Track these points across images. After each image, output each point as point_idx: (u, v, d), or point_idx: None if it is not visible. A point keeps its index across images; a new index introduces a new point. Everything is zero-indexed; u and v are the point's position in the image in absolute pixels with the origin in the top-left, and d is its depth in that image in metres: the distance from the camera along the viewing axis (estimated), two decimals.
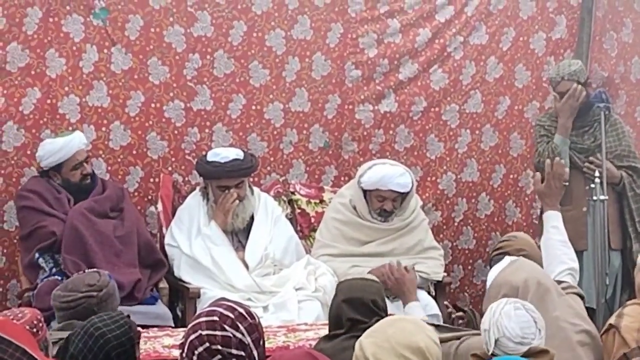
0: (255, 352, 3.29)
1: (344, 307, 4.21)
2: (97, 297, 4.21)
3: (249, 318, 3.33)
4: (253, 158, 6.26)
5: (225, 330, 3.27)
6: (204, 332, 3.27)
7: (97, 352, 3.50)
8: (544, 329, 3.81)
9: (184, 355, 3.28)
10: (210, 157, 6.12)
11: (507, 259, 4.78)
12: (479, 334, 3.90)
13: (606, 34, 7.52)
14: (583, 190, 6.29)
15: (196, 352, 3.24)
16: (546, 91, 7.38)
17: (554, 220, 5.10)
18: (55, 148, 5.88)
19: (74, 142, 5.92)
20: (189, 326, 3.34)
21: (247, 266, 6.00)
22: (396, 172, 6.06)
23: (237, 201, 6.05)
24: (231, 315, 3.31)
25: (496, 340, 3.74)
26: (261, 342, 3.34)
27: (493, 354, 3.71)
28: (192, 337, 3.28)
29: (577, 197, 6.29)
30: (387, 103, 7.00)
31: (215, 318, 3.30)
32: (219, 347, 3.24)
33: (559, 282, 4.76)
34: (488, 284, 4.72)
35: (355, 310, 4.19)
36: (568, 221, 6.20)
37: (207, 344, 3.24)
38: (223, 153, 6.13)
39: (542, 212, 5.66)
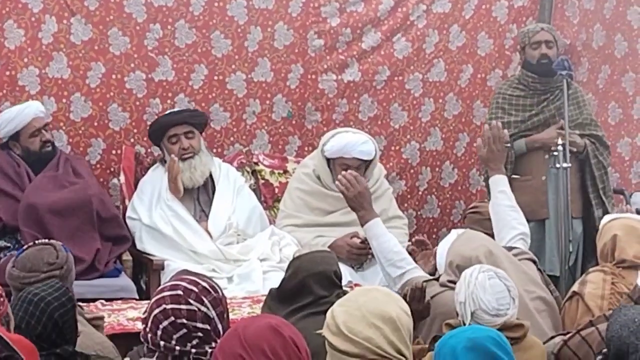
0: (219, 326, 3.28)
1: (309, 281, 4.19)
2: (60, 275, 4.09)
3: (212, 292, 3.32)
4: (202, 112, 6.33)
5: (190, 304, 3.25)
6: (169, 306, 3.25)
7: (39, 316, 3.52)
8: (517, 297, 3.84)
9: (147, 329, 3.26)
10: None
11: (454, 232, 4.83)
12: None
13: (568, 1, 7.52)
14: (542, 159, 6.31)
15: (160, 326, 3.23)
16: (509, 59, 7.39)
17: (501, 185, 5.14)
18: (11, 116, 5.86)
19: (30, 109, 5.89)
20: (152, 300, 3.32)
21: (210, 236, 5.99)
22: (359, 139, 6.05)
23: (180, 162, 6.01)
24: (195, 289, 3.29)
25: (472, 313, 3.75)
26: (225, 316, 3.33)
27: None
28: (156, 311, 3.26)
29: (536, 167, 6.32)
30: (350, 72, 6.98)
31: (180, 292, 3.28)
32: (184, 320, 3.22)
33: (511, 248, 4.81)
34: (438, 257, 4.75)
35: (320, 284, 4.18)
36: (528, 191, 6.29)
37: (172, 318, 3.23)
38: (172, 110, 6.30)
39: (487, 178, 5.70)
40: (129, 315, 4.96)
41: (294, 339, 3.00)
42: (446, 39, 7.22)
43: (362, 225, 5.06)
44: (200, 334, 3.23)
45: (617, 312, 3.37)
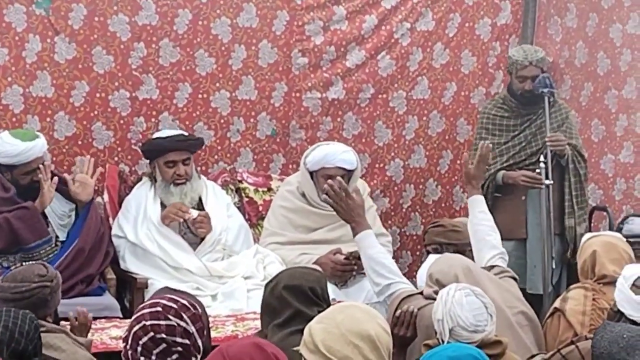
0: (199, 342, 3.30)
1: (284, 294, 4.18)
2: (50, 287, 4.14)
3: (192, 308, 3.35)
4: (199, 137, 6.32)
5: (169, 319, 3.28)
6: (148, 323, 3.28)
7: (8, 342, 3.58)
8: (494, 314, 3.85)
9: (128, 347, 3.28)
10: (156, 135, 6.24)
11: (432, 257, 4.87)
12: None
13: (550, 19, 7.57)
14: None
15: (140, 342, 3.25)
16: (492, 77, 7.42)
17: (480, 205, 5.20)
18: (15, 151, 5.67)
19: (35, 149, 5.71)
20: (132, 318, 3.34)
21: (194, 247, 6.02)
22: (339, 149, 6.11)
23: (187, 214, 6.01)
24: (174, 305, 3.33)
25: (450, 330, 3.77)
26: (205, 332, 3.35)
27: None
28: (136, 328, 3.29)
29: (517, 186, 6.34)
30: (334, 90, 7.00)
31: (159, 309, 3.31)
32: (164, 335, 3.25)
33: (492, 267, 4.84)
34: (418, 281, 4.79)
35: (296, 298, 4.17)
36: (507, 210, 6.31)
37: (152, 334, 3.25)
38: (168, 132, 6.23)
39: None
40: (112, 334, 4.95)
41: (276, 356, 3.02)
42: (430, 57, 7.25)
43: (354, 236, 5.01)
44: (180, 348, 3.26)
45: (602, 329, 3.39)
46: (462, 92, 7.38)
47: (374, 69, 7.10)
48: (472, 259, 5.05)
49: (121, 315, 5.60)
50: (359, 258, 5.84)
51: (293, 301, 4.15)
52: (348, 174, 6.08)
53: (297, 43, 6.88)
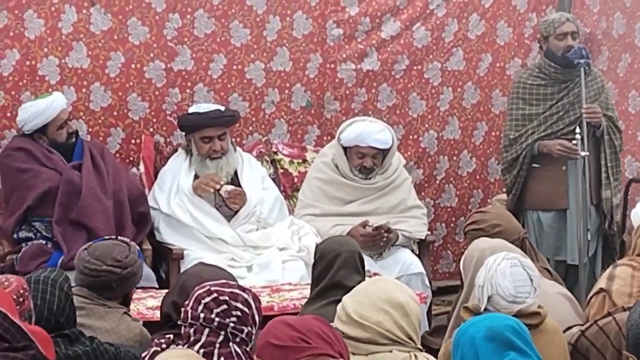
0: (257, 316, 3.43)
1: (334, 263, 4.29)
2: (119, 274, 4.19)
3: (252, 291, 3.48)
4: (234, 111, 6.31)
5: (233, 289, 3.42)
6: (213, 288, 3.41)
7: (52, 291, 3.69)
8: (539, 287, 3.83)
9: (188, 308, 3.36)
10: (192, 110, 6.21)
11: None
12: None
13: None
14: None
15: (203, 302, 3.38)
16: (528, 48, 7.38)
17: None
18: (39, 110, 5.79)
19: (57, 102, 5.85)
20: (196, 288, 3.45)
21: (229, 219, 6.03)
22: (375, 128, 6.06)
23: (219, 183, 6.02)
24: (236, 283, 3.52)
25: (489, 297, 3.76)
26: (261, 312, 3.44)
27: (486, 309, 3.74)
28: (200, 291, 3.41)
29: (556, 157, 6.28)
30: (369, 61, 6.98)
31: (224, 281, 3.48)
32: (227, 298, 3.38)
33: None
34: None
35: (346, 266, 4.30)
36: (548, 180, 6.27)
37: (215, 295, 3.38)
38: (204, 106, 6.22)
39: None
40: (149, 304, 4.98)
41: (332, 330, 3.11)
42: (465, 28, 7.21)
43: None
44: (239, 313, 3.36)
45: (638, 303, 3.37)
46: (498, 63, 7.34)
47: (408, 40, 7.07)
48: (521, 250, 4.97)
49: (157, 286, 5.63)
50: (388, 230, 5.89)
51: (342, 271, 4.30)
52: (382, 152, 6.07)
53: (331, 14, 6.86)
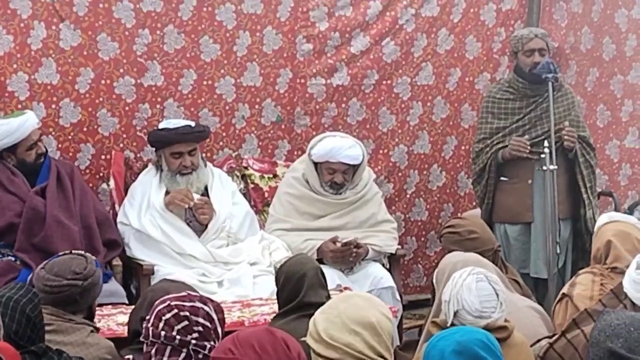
0: (219, 329, 3.39)
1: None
2: (81, 286, 4.15)
3: (214, 301, 3.46)
4: (205, 127, 6.31)
5: (194, 302, 3.39)
6: (173, 303, 3.39)
7: (11, 314, 3.59)
8: (505, 302, 3.85)
9: (149, 325, 3.33)
10: (162, 125, 6.21)
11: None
12: None
13: (556, 4, 7.56)
14: (529, 162, 6.31)
15: (163, 319, 3.34)
16: (497, 62, 7.42)
17: None
18: (11, 129, 5.74)
19: (29, 122, 5.80)
20: (158, 302, 3.42)
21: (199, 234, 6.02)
22: (345, 143, 6.08)
23: (190, 200, 6.01)
24: (198, 294, 3.47)
25: (455, 312, 3.78)
26: (224, 324, 3.41)
27: (453, 324, 3.75)
28: (160, 307, 3.38)
29: (523, 170, 6.33)
30: (339, 76, 7.00)
31: (184, 294, 3.44)
32: (187, 313, 3.35)
33: None
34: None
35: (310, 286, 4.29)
36: (514, 193, 6.32)
37: (176, 311, 3.35)
38: (174, 121, 6.21)
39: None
40: (119, 320, 4.97)
41: (286, 341, 3.08)
42: (434, 43, 7.25)
43: None
44: (200, 328, 3.34)
45: (600, 318, 3.40)
46: (467, 77, 7.38)
47: (378, 55, 7.10)
48: (494, 263, 5.01)
49: (127, 302, 5.61)
50: (357, 245, 5.91)
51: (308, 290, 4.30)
52: (353, 167, 6.10)
53: (301, 29, 6.87)
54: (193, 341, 3.30)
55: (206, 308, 3.37)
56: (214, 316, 3.38)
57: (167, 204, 6.00)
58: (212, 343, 3.33)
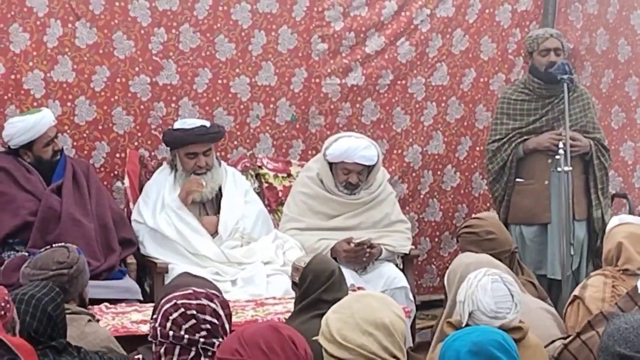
0: (227, 325, 3.39)
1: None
2: (68, 274, 4.18)
3: (220, 296, 3.46)
4: (220, 127, 6.29)
5: (200, 299, 3.37)
6: (179, 301, 3.37)
7: (33, 312, 3.63)
8: (520, 303, 3.85)
9: (156, 324, 3.33)
10: (178, 125, 6.20)
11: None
12: None
13: (571, 5, 7.55)
14: (545, 163, 6.30)
15: (170, 318, 3.33)
16: (512, 63, 7.41)
17: None
18: (27, 126, 5.78)
19: (46, 119, 5.84)
20: (164, 300, 3.40)
21: (213, 236, 6.03)
22: (361, 144, 6.07)
23: (203, 184, 6.04)
24: (204, 290, 3.43)
25: (470, 313, 3.78)
26: (230, 319, 3.39)
27: (468, 325, 3.75)
28: (167, 305, 3.36)
29: (539, 171, 6.33)
30: (353, 76, 7.00)
31: (190, 291, 3.41)
32: (194, 312, 3.34)
33: None
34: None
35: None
36: (531, 194, 6.33)
37: (182, 309, 3.34)
38: (190, 121, 6.21)
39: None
40: (133, 318, 4.97)
41: (292, 338, 3.07)
42: (449, 43, 7.24)
43: None
44: (208, 326, 3.33)
45: (610, 322, 3.40)
46: (481, 78, 7.37)
47: (393, 55, 7.10)
48: (510, 264, 5.02)
49: (142, 299, 5.63)
50: (371, 246, 5.91)
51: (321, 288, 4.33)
52: (367, 168, 6.10)
53: (316, 29, 6.88)
54: (202, 340, 3.30)
55: (213, 305, 3.36)
56: (221, 312, 3.37)
57: (183, 199, 6.01)
58: (220, 340, 3.33)
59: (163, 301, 3.39)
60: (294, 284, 4.68)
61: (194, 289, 3.42)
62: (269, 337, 3.03)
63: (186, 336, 3.29)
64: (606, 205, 6.47)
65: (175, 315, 3.32)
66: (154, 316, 3.40)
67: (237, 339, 3.03)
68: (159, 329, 3.33)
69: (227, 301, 3.46)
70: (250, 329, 3.08)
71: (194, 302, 3.35)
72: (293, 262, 4.86)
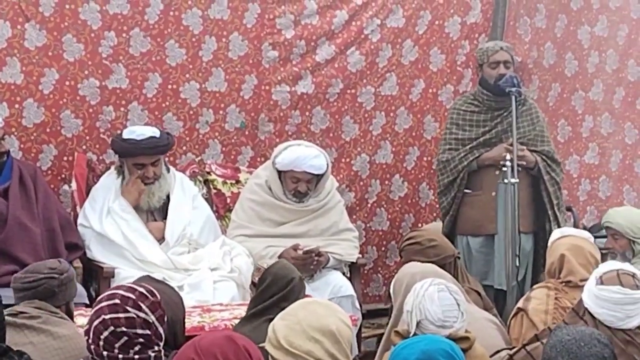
0: (160, 330, 3.35)
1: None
2: (59, 279, 4.21)
3: (150, 296, 3.39)
4: (169, 136, 6.24)
5: (128, 311, 3.32)
6: (107, 317, 3.31)
7: None
8: (466, 312, 3.89)
9: (90, 341, 3.31)
10: (126, 134, 6.10)
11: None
12: None
13: (520, 19, 7.64)
14: (493, 175, 6.35)
15: (102, 337, 3.29)
16: (460, 75, 7.47)
17: None
18: None
19: None
20: (92, 312, 3.37)
21: (160, 242, 6.01)
22: (310, 153, 6.09)
23: (152, 182, 6.03)
24: (132, 296, 3.36)
25: (418, 322, 3.81)
26: (165, 319, 3.38)
27: (415, 334, 3.77)
28: (96, 322, 3.32)
29: (487, 183, 6.38)
30: (303, 84, 7.02)
31: (117, 301, 3.34)
32: (124, 328, 3.28)
33: None
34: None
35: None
36: (478, 205, 6.36)
37: (112, 328, 3.29)
38: (139, 131, 6.11)
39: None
40: (79, 322, 4.93)
41: (247, 349, 3.06)
42: (399, 54, 7.29)
43: None
44: (141, 339, 3.30)
45: (552, 333, 3.44)
46: (430, 89, 7.42)
47: (343, 64, 7.13)
48: (453, 270, 5.07)
49: (88, 303, 5.58)
50: (319, 254, 5.93)
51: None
52: (316, 176, 6.11)
53: (267, 36, 6.88)
54: (136, 356, 3.27)
55: (142, 315, 3.31)
56: (152, 319, 3.32)
57: (135, 200, 6.00)
58: (156, 347, 3.31)
59: (93, 314, 3.35)
60: (252, 284, 4.71)
61: (122, 293, 3.36)
62: (225, 347, 3.03)
63: (120, 355, 3.27)
64: (563, 220, 6.52)
65: (105, 334, 3.27)
66: (86, 328, 3.36)
67: (194, 348, 3.03)
68: (92, 347, 3.30)
69: (158, 302, 3.40)
70: (207, 338, 3.08)
71: (122, 315, 3.30)
72: (257, 261, 4.88)
